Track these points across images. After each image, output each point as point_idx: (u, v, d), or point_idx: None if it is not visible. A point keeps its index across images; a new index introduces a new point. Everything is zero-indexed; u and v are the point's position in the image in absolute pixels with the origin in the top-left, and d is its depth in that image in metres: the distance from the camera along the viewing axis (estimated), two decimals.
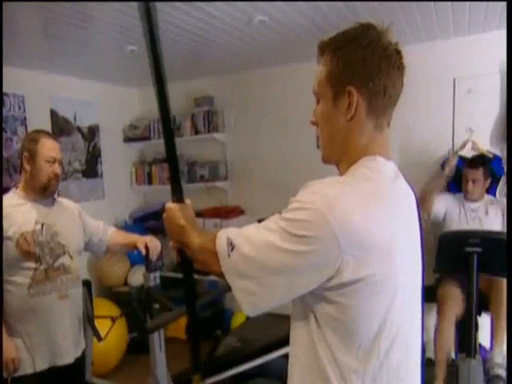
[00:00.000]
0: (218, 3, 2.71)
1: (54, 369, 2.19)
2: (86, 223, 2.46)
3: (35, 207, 2.20)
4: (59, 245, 2.22)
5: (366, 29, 1.03)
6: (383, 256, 0.92)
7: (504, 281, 3.10)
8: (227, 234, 1.03)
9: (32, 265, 2.12)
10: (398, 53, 1.03)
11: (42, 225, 2.18)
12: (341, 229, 0.88)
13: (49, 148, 2.21)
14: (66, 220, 2.33)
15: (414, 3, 2.89)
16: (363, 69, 1.00)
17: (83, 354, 2.40)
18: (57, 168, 2.23)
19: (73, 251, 2.29)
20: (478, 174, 3.32)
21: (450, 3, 2.90)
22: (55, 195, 2.39)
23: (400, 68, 1.03)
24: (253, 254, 0.96)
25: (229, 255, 1.00)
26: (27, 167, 2.20)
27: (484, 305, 3.13)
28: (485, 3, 2.93)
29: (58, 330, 2.19)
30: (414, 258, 1.07)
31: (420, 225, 1.11)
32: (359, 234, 0.89)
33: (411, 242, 1.05)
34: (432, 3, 2.88)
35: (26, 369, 2.12)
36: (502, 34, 3.41)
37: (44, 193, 2.23)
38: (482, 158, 3.49)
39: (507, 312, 2.98)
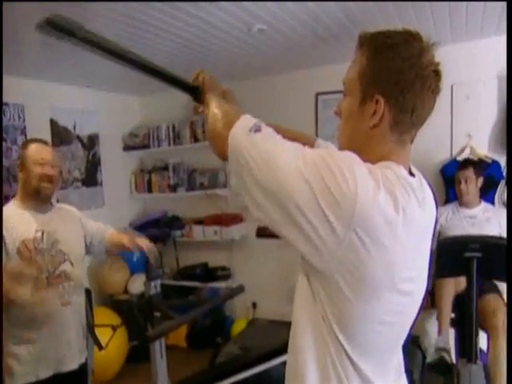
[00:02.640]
0: (217, 12, 2.73)
1: (59, 376, 2.17)
2: (86, 227, 2.44)
3: (34, 216, 2.18)
4: (60, 252, 2.21)
5: (411, 39, 0.98)
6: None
7: (497, 298, 3.16)
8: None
9: (33, 273, 2.10)
10: (437, 74, 0.98)
11: (43, 233, 2.16)
12: (362, 212, 0.86)
13: (36, 151, 2.20)
14: (67, 227, 2.32)
15: (412, 11, 2.91)
16: (396, 81, 0.96)
17: (87, 360, 2.39)
18: (48, 170, 2.19)
19: (74, 258, 2.27)
20: (469, 172, 3.34)
21: (447, 10, 2.93)
22: (54, 202, 2.38)
23: (434, 91, 0.99)
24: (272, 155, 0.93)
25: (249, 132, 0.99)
26: (20, 174, 2.20)
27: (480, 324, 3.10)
28: (482, 9, 2.94)
29: (62, 337, 2.18)
30: (421, 267, 1.04)
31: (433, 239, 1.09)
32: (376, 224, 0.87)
33: (422, 251, 1.03)
34: (429, 10, 2.90)
35: (30, 377, 2.11)
36: (500, 39, 3.44)
37: (38, 197, 2.19)
38: (471, 159, 3.53)
39: (507, 315, 2.98)
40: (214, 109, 1.17)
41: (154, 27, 2.90)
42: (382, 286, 0.92)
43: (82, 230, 2.41)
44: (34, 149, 2.20)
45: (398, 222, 0.89)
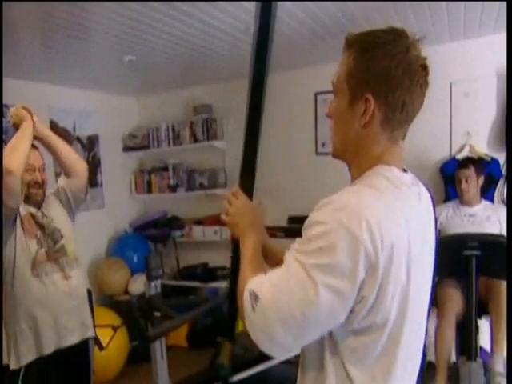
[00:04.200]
0: (216, 12, 2.73)
1: (60, 351, 2.20)
2: (61, 196, 2.39)
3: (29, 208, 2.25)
4: (56, 229, 2.28)
5: (397, 37, 0.99)
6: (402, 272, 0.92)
7: (502, 283, 3.11)
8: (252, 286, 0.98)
9: (34, 246, 2.16)
10: (424, 69, 0.99)
11: (42, 212, 2.26)
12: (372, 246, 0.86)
13: None
14: (56, 209, 2.36)
15: (410, 10, 2.92)
16: (385, 79, 0.97)
17: (90, 340, 2.40)
18: (37, 176, 2.23)
19: (67, 235, 2.33)
20: (470, 171, 3.34)
21: (444, 9, 2.93)
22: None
23: (423, 86, 0.99)
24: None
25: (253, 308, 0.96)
26: None
27: (483, 308, 3.13)
28: (479, 8, 2.95)
29: (64, 311, 2.21)
30: (426, 268, 1.08)
31: (436, 232, 1.11)
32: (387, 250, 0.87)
33: (425, 254, 1.05)
34: (427, 9, 2.91)
35: (33, 354, 2.14)
36: (497, 37, 3.46)
37: (28, 203, 2.23)
38: (472, 158, 3.53)
39: (507, 314, 2.98)
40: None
41: (154, 28, 2.92)
42: None
43: (61, 202, 2.39)
44: None
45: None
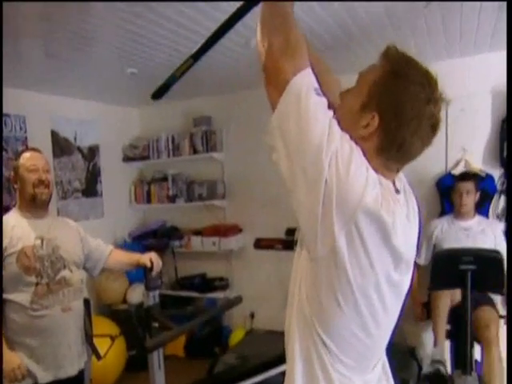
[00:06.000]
0: (215, 26, 2.77)
1: (58, 382, 2.19)
2: (85, 239, 2.47)
3: (33, 223, 2.23)
4: (60, 258, 2.24)
5: (427, 83, 1.02)
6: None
7: (491, 312, 3.21)
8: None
9: (33, 279, 2.14)
10: (434, 130, 1.05)
11: (42, 240, 2.21)
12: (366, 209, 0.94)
13: (28, 159, 2.24)
14: (66, 234, 2.35)
15: (408, 27, 2.97)
16: (396, 113, 1.00)
17: (85, 365, 2.41)
18: (41, 175, 2.23)
19: (73, 264, 2.30)
20: (470, 185, 3.40)
21: (441, 27, 2.99)
22: (50, 210, 2.41)
23: (425, 143, 1.06)
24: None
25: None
26: (15, 184, 2.25)
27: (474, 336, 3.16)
28: (475, 26, 3.01)
29: (62, 343, 2.21)
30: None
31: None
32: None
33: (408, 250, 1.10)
34: (425, 26, 2.96)
35: (29, 381, 2.13)
36: (493, 55, 3.54)
37: (35, 203, 2.23)
38: (471, 172, 3.59)
39: (507, 315, 3.04)
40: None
41: (156, 42, 2.96)
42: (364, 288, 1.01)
43: (80, 239, 2.44)
44: (26, 157, 2.26)
45: (390, 228, 0.98)
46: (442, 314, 3.29)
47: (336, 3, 2.50)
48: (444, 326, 3.29)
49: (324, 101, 0.98)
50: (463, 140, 3.71)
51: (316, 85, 0.99)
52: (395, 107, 1.00)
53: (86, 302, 2.53)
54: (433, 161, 3.79)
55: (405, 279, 1.11)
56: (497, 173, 3.63)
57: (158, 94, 1.34)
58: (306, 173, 0.94)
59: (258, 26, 1.06)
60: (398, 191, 1.08)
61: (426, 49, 3.42)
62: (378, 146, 1.02)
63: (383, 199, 0.97)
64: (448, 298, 3.31)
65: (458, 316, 3.18)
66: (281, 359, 1.12)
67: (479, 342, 3.17)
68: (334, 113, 1.01)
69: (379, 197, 0.96)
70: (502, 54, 3.46)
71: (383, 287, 1.03)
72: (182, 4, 2.36)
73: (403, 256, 1.05)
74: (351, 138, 1.00)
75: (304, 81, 0.97)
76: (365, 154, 1.01)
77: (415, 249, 1.14)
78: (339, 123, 0.99)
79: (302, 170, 0.95)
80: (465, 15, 2.78)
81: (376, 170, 1.01)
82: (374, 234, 0.97)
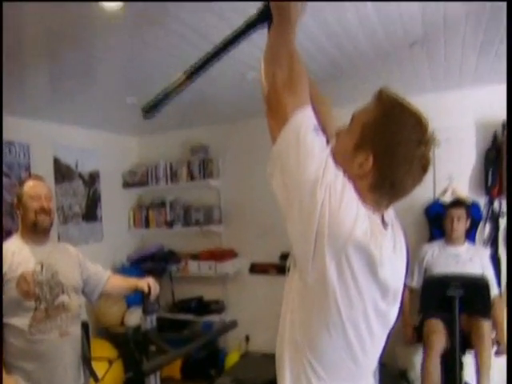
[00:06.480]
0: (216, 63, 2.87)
1: None
2: (84, 265, 2.50)
3: (34, 249, 2.26)
4: (59, 283, 2.26)
5: (418, 124, 1.06)
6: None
7: (487, 327, 3.23)
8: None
9: (32, 304, 2.16)
10: (424, 170, 1.08)
11: (42, 265, 2.23)
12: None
13: (32, 186, 2.29)
14: (65, 260, 2.38)
15: (395, 61, 3.09)
16: (389, 154, 1.05)
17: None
18: (43, 203, 2.27)
19: (72, 290, 2.33)
20: (461, 211, 3.52)
21: (426, 63, 3.12)
22: (51, 236, 2.43)
23: (416, 182, 1.09)
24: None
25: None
26: (18, 211, 2.30)
27: (467, 342, 3.23)
28: (459, 62, 3.14)
29: (59, 367, 2.23)
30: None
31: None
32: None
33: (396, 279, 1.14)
34: (410, 60, 3.07)
35: None
36: (475, 90, 3.70)
37: (36, 230, 2.26)
38: (463, 200, 3.70)
39: (507, 318, 3.11)
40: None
41: (157, 74, 3.01)
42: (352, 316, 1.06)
43: (80, 265, 2.47)
44: (29, 185, 2.30)
45: (377, 261, 1.02)
46: (437, 350, 3.22)
47: (325, 41, 2.63)
48: (438, 358, 3.24)
49: (321, 138, 1.02)
50: (450, 169, 3.83)
51: (314, 121, 1.03)
52: (389, 149, 1.04)
53: (85, 326, 2.58)
54: (421, 189, 3.86)
55: (392, 309, 1.15)
56: (482, 200, 3.75)
57: (149, 108, 1.32)
58: (302, 203, 0.99)
59: (262, 58, 1.11)
60: (386, 225, 1.11)
61: (412, 82, 3.54)
62: (372, 184, 1.06)
63: (372, 233, 1.01)
64: (442, 331, 3.26)
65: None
66: (275, 382, 1.17)
67: (473, 348, 3.23)
68: (328, 141, 1.06)
69: (368, 231, 1.00)
70: (485, 89, 3.65)
71: (371, 317, 1.07)
72: (181, 36, 2.44)
73: (390, 287, 1.09)
74: (346, 174, 1.03)
75: (304, 119, 1.02)
76: (359, 191, 1.04)
77: (402, 280, 1.18)
78: (335, 159, 1.03)
79: (298, 201, 0.99)
80: (449, 50, 2.90)
81: (368, 206, 1.05)
82: (363, 266, 1.01)
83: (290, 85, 1.04)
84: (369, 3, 2.18)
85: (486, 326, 3.21)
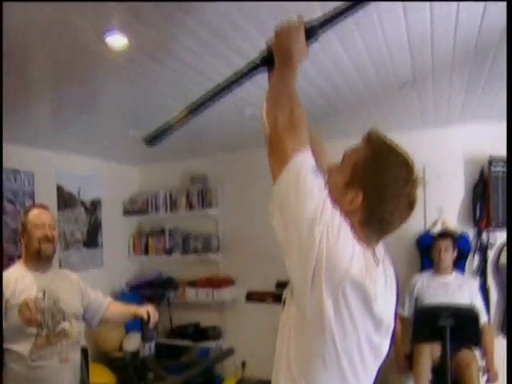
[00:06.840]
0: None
1: None
2: (85, 291, 2.53)
3: (36, 276, 2.30)
4: (60, 310, 2.29)
5: (404, 166, 1.11)
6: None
7: (472, 356, 3.33)
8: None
9: (34, 331, 2.18)
10: (411, 208, 1.12)
11: (44, 292, 2.26)
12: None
13: (36, 214, 2.34)
14: (67, 287, 2.42)
15: (386, 100, 3.20)
16: (378, 194, 1.10)
17: None
18: (47, 231, 2.31)
19: (73, 316, 2.36)
20: (448, 242, 3.63)
21: (416, 101, 3.24)
22: (53, 263, 2.46)
23: (403, 219, 1.13)
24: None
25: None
26: (22, 239, 2.34)
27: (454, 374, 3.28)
28: (446, 101, 3.27)
29: None
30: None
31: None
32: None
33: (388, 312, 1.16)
34: (401, 99, 3.18)
35: None
36: (463, 127, 3.85)
37: (40, 258, 2.30)
38: (451, 231, 3.82)
39: (507, 321, 3.21)
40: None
41: (158, 108, 3.11)
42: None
43: (80, 292, 2.50)
44: (33, 213, 2.35)
45: (372, 297, 1.05)
46: (424, 371, 3.34)
47: (322, 82, 2.77)
48: (426, 381, 3.35)
49: (319, 180, 1.06)
50: (440, 202, 3.94)
51: (313, 163, 1.08)
52: (377, 187, 1.09)
53: (84, 351, 2.61)
54: (412, 221, 3.98)
55: (384, 342, 1.17)
56: (471, 232, 3.87)
57: (151, 139, 1.35)
58: (301, 240, 1.01)
59: (264, 100, 1.16)
60: (377, 261, 1.14)
61: (402, 119, 3.66)
62: (362, 220, 1.10)
63: (367, 270, 1.04)
64: (429, 355, 3.37)
65: (439, 367, 3.31)
66: None
67: (461, 381, 3.28)
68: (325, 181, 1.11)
69: (363, 268, 1.03)
70: (471, 127, 3.81)
71: (365, 349, 1.10)
72: (183, 74, 2.53)
73: (383, 321, 1.12)
74: (342, 210, 1.07)
75: (303, 160, 1.06)
76: (351, 227, 1.07)
77: (393, 314, 1.20)
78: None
79: (297, 237, 1.02)
80: (437, 90, 3.02)
81: (361, 242, 1.08)
82: (359, 303, 1.04)
83: (290, 127, 1.08)
84: (363, 50, 2.31)
85: (473, 354, 3.31)
